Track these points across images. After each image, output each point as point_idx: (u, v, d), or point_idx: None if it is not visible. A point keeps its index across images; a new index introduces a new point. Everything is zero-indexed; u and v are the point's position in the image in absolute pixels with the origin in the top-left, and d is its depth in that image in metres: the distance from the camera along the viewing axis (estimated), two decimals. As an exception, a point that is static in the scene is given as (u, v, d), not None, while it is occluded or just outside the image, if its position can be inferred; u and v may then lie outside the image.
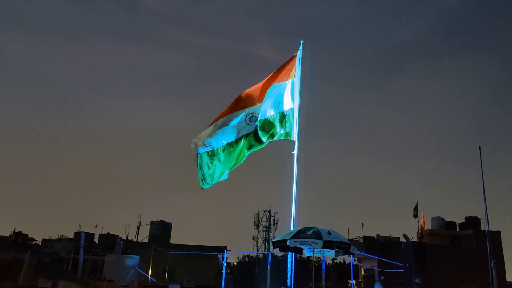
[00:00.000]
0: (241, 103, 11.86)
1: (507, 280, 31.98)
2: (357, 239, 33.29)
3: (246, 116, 11.71)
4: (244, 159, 11.75)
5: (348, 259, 23.07)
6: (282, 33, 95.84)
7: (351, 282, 23.89)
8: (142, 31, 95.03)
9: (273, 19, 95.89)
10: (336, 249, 10.83)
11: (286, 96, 12.23)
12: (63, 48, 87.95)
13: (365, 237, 33.36)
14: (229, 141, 11.49)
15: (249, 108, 11.78)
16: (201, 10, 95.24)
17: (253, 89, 12.10)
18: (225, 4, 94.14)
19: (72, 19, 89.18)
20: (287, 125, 12.02)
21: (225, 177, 11.64)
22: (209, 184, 11.39)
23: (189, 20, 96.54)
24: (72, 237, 35.54)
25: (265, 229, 38.72)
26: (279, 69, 12.40)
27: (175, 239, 36.15)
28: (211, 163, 11.35)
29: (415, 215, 31.78)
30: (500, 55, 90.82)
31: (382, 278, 27.06)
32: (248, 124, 11.64)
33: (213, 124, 11.53)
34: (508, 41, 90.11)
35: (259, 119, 11.78)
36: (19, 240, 33.86)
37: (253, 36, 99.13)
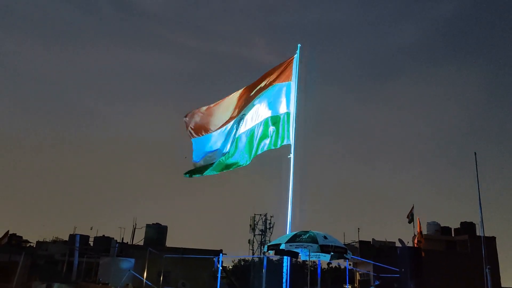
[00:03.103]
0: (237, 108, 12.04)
1: (502, 286, 32.09)
2: (352, 244, 33.31)
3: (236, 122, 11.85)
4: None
5: (344, 263, 23.07)
6: (279, 37, 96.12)
7: (346, 286, 23.84)
8: (138, 33, 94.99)
9: (270, 22, 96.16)
10: (332, 253, 10.81)
11: (281, 99, 12.12)
12: (60, 50, 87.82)
13: (360, 242, 33.39)
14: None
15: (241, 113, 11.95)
16: (199, 13, 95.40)
17: (243, 93, 12.20)
18: (223, 7, 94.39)
19: (69, 21, 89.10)
20: (282, 128, 11.87)
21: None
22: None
23: (186, 22, 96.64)
24: (67, 239, 35.37)
25: (261, 233, 38.66)
26: (271, 72, 12.32)
27: (170, 242, 36.07)
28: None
29: (410, 221, 31.79)
30: (495, 61, 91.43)
31: (377, 282, 27.03)
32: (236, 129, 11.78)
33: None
34: (503, 47, 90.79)
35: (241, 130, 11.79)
36: (13, 242, 33.70)
37: (251, 39, 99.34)
